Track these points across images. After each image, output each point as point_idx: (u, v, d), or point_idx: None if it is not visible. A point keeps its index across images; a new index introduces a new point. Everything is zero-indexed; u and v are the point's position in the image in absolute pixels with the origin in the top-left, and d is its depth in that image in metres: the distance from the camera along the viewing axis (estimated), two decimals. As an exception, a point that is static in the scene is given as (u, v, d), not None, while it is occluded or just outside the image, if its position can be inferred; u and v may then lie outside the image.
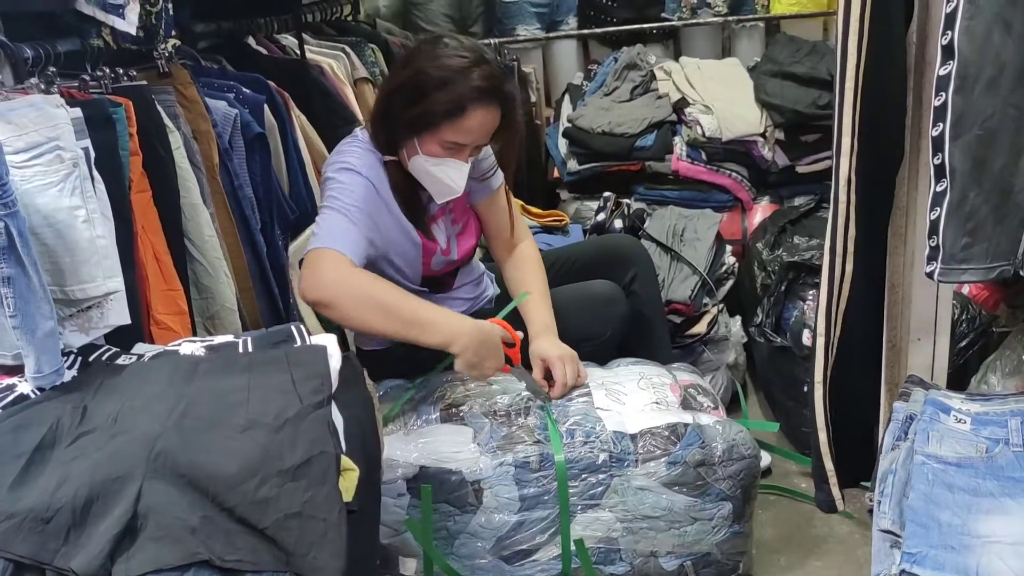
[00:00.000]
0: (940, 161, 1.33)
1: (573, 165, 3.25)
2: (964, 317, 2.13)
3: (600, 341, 2.04)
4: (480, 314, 2.00)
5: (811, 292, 2.45)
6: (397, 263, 1.93)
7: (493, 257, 2.20)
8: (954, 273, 1.36)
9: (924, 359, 1.61)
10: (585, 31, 3.98)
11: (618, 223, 2.78)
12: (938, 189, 1.34)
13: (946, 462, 1.22)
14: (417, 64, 1.80)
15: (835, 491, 1.66)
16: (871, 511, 1.37)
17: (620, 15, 3.91)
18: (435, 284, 2.04)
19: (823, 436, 1.67)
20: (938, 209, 1.35)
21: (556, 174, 3.43)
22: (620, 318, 2.07)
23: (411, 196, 1.91)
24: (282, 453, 1.18)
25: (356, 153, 1.87)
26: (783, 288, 2.52)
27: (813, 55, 3.32)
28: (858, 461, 1.74)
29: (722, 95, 3.23)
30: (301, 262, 1.92)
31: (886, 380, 1.68)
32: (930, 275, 1.38)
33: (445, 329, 1.75)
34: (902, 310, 1.61)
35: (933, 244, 1.36)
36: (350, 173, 1.82)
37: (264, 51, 2.57)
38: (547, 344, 1.90)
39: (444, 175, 1.85)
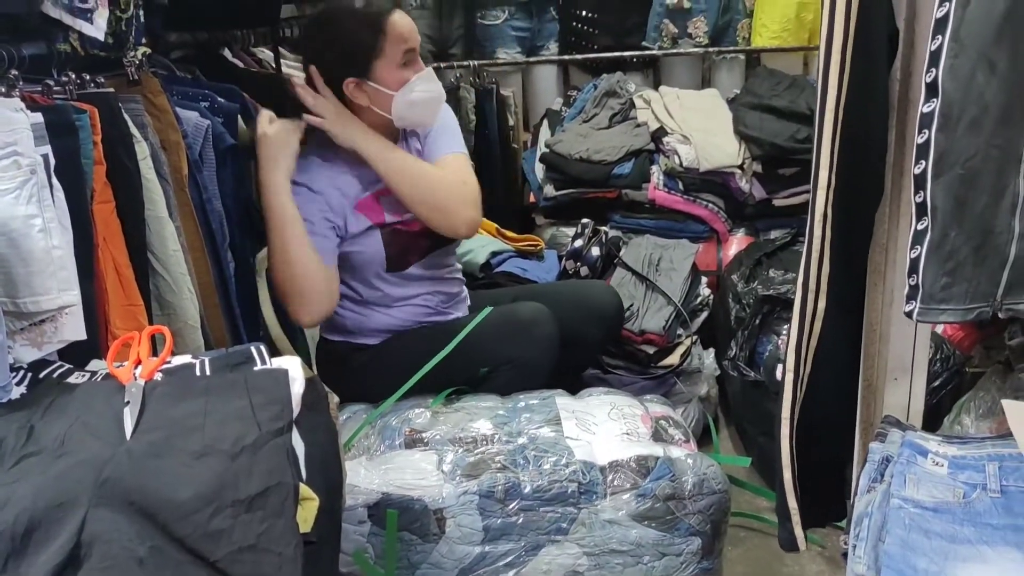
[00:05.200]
0: (922, 199, 1.31)
1: (550, 190, 3.23)
2: (938, 356, 2.12)
3: (519, 364, 2.00)
4: (444, 327, 2.06)
5: (786, 327, 2.42)
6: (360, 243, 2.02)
7: None
8: (933, 313, 1.34)
9: (900, 399, 1.58)
10: (566, 57, 3.98)
11: (595, 250, 2.76)
12: (919, 227, 1.32)
13: (923, 507, 1.19)
14: (332, 30, 1.96)
15: (797, 530, 1.63)
16: (845, 554, 1.33)
17: (601, 42, 3.91)
18: (399, 258, 2.05)
19: (787, 474, 1.64)
20: (918, 248, 1.33)
21: (532, 199, 3.41)
22: (544, 340, 2.01)
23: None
24: (238, 482, 1.13)
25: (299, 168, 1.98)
26: (757, 322, 2.50)
27: (793, 89, 3.33)
28: (827, 500, 1.71)
29: (701, 126, 3.23)
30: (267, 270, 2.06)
31: (861, 419, 1.65)
32: (909, 314, 1.36)
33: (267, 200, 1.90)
34: (879, 348, 1.59)
35: (912, 283, 1.34)
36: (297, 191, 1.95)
37: (240, 64, 2.52)
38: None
39: (423, 90, 1.96)
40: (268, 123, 1.94)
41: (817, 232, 1.45)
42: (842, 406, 1.65)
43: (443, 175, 2.01)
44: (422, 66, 1.98)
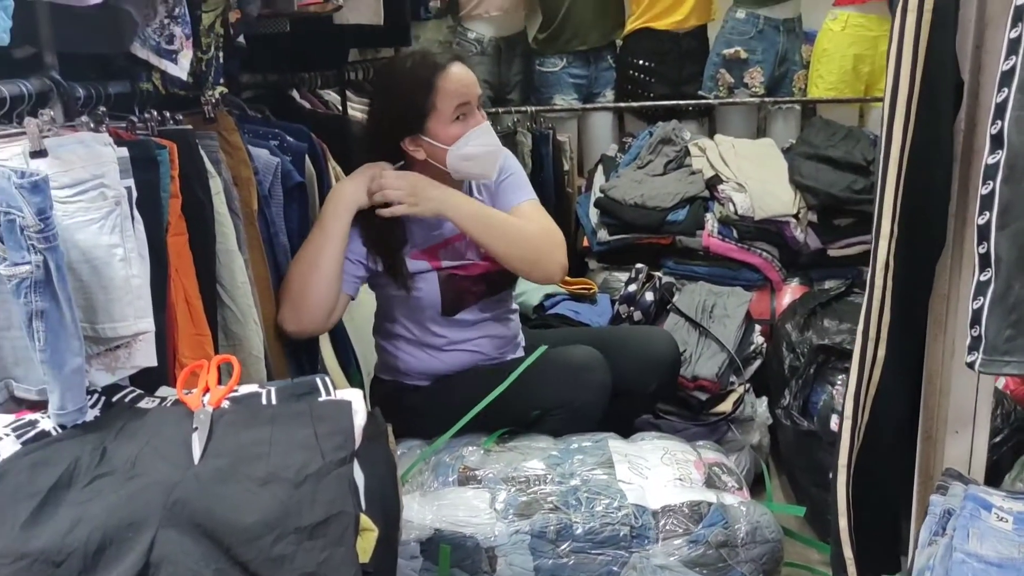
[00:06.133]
0: (985, 250, 1.30)
1: (603, 235, 3.25)
2: (999, 412, 2.08)
3: (570, 408, 1.99)
4: (497, 368, 2.06)
5: (840, 376, 2.41)
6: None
7: None
8: (996, 365, 1.33)
9: (961, 452, 1.56)
10: (621, 104, 4.02)
11: (649, 295, 2.77)
12: (982, 278, 1.31)
13: (988, 562, 1.17)
14: (388, 89, 2.01)
15: (852, 580, 1.60)
16: (903, 608, 1.31)
17: (657, 91, 3.94)
18: (454, 303, 2.06)
19: (843, 522, 1.62)
20: (981, 299, 1.32)
21: (586, 243, 3.43)
22: (595, 386, 2.00)
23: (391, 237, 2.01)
24: (301, 510, 1.15)
25: None
26: (812, 371, 2.48)
27: (849, 140, 3.32)
28: (881, 552, 1.68)
29: (756, 174, 3.23)
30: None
31: (920, 472, 1.63)
32: (971, 365, 1.34)
33: (327, 208, 1.95)
34: (939, 400, 1.57)
35: (975, 334, 1.33)
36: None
37: (307, 105, 2.60)
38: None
39: (477, 144, 1.95)
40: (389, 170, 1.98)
41: (878, 281, 1.45)
42: (899, 457, 1.63)
43: (530, 226, 2.03)
44: (479, 119, 1.98)
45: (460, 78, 1.94)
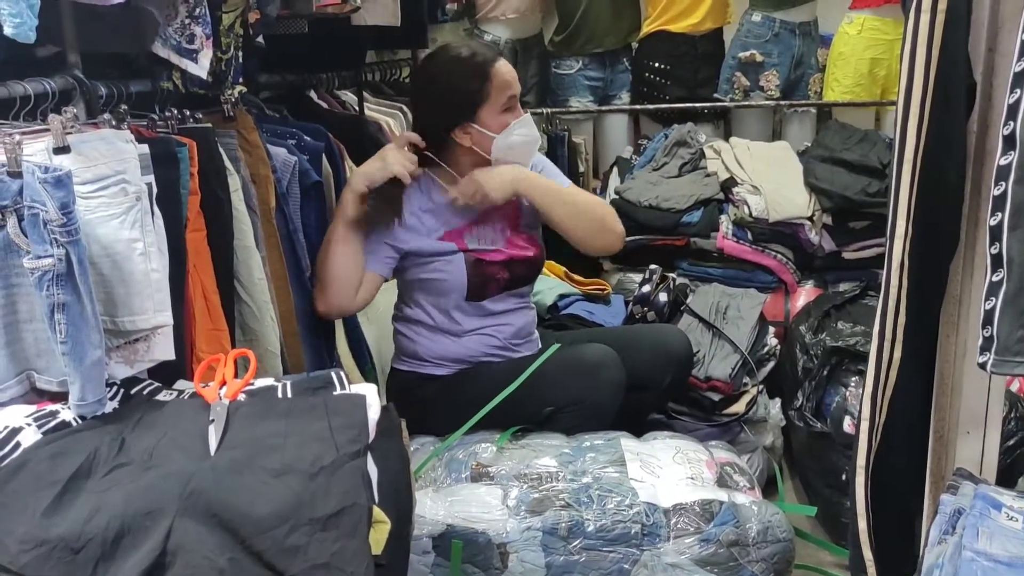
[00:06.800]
0: (997, 251, 1.31)
1: (618, 236, 3.25)
2: (1013, 415, 2.07)
3: (584, 406, 2.02)
4: (512, 364, 2.10)
5: (854, 378, 2.41)
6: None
7: None
8: (1008, 365, 1.33)
9: (972, 453, 1.56)
10: (637, 107, 4.03)
11: (663, 296, 2.77)
12: (994, 279, 1.32)
13: (997, 560, 1.18)
14: (440, 78, 2.08)
15: (872, 583, 1.60)
16: (913, 607, 1.32)
17: (673, 93, 3.95)
18: (479, 288, 2.11)
19: (862, 524, 1.62)
20: (993, 299, 1.32)
21: (600, 244, 3.44)
22: (610, 384, 2.03)
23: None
24: (315, 501, 1.17)
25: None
26: (825, 373, 2.48)
27: (864, 143, 3.32)
28: (897, 553, 1.68)
29: (771, 177, 3.23)
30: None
31: (931, 472, 1.63)
32: (983, 366, 1.34)
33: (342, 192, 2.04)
34: (951, 401, 1.57)
35: (987, 334, 1.33)
36: None
37: (324, 105, 2.63)
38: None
39: (521, 134, 2.07)
40: (403, 150, 2.05)
41: (894, 281, 1.46)
42: (915, 458, 1.63)
43: (590, 196, 2.23)
44: (521, 112, 2.08)
45: (509, 71, 2.07)
